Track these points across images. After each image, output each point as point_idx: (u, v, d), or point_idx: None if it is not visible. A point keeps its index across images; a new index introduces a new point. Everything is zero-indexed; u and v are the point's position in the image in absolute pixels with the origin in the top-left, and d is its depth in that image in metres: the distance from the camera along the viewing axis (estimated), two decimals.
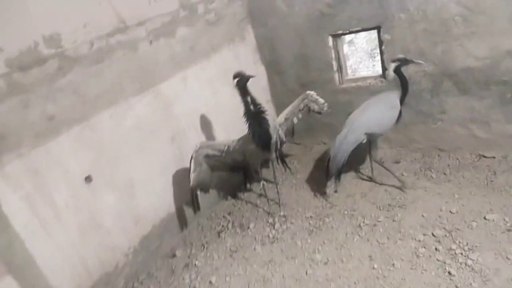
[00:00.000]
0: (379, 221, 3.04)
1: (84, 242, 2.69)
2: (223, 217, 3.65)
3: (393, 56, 3.44)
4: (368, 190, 3.44)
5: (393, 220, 3.01)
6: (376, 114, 3.14)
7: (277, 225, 3.32)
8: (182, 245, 3.39)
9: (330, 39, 3.80)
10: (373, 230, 2.98)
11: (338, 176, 3.29)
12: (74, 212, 2.63)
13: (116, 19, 2.90)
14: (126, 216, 3.00)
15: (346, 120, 3.27)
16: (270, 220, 3.42)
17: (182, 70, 3.48)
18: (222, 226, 3.52)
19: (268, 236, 3.23)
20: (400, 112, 3.12)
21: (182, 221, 3.53)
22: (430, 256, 2.60)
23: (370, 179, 3.54)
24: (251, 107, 3.04)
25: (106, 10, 2.84)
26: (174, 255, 3.27)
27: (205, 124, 3.74)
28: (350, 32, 3.72)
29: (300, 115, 3.53)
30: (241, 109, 3.08)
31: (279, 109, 4.48)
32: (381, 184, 3.44)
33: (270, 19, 4.06)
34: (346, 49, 4.19)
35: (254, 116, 3.07)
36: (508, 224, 2.65)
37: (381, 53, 3.56)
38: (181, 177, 3.43)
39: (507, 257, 2.42)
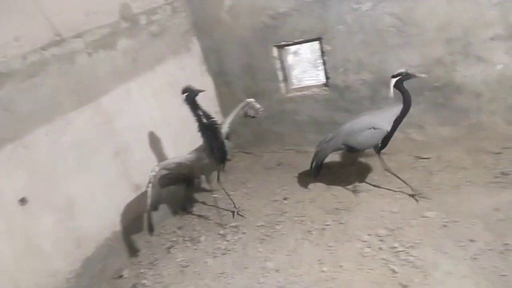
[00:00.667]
0: (327, 225, 3.12)
1: (20, 269, 2.50)
2: (173, 232, 3.57)
3: (334, 66, 3.63)
4: (316, 195, 3.52)
5: (340, 223, 3.10)
6: (354, 129, 3.13)
7: (228, 236, 3.30)
8: (129, 265, 3.27)
9: (275, 50, 3.89)
10: (322, 234, 3.05)
11: (316, 171, 3.42)
12: (7, 237, 2.44)
13: (52, 31, 2.79)
14: (67, 238, 2.84)
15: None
16: (222, 231, 3.39)
17: (125, 82, 3.39)
18: (172, 241, 3.43)
19: (220, 248, 3.20)
20: (392, 132, 3.08)
21: (129, 240, 3.40)
22: (374, 255, 2.71)
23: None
24: (204, 120, 3.04)
25: (40, 23, 2.72)
26: (121, 276, 3.13)
27: (152, 138, 3.66)
28: (294, 43, 3.83)
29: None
30: (189, 120, 3.07)
31: None
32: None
33: (215, 31, 4.09)
34: (291, 59, 4.30)
35: (209, 129, 3.07)
36: (445, 220, 2.83)
37: (324, 63, 3.70)
38: (126, 193, 3.32)
39: (444, 252, 2.57)
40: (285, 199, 3.59)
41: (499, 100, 3.09)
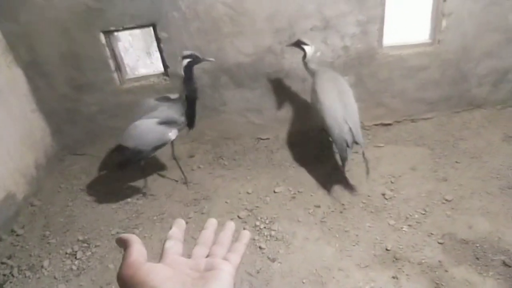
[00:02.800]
0: (189, 218, 3.08)
1: None
2: (2, 263, 2.87)
3: (172, 54, 3.51)
4: (172, 189, 3.42)
5: (202, 213, 3.12)
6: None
7: (79, 254, 2.87)
8: None
9: (102, 36, 3.48)
10: (186, 228, 2.98)
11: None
12: None
13: None
14: None
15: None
16: (68, 250, 2.92)
17: None
18: (4, 275, 2.77)
19: (71, 269, 2.76)
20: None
21: None
22: None
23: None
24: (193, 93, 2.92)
25: None
26: None
27: None
28: (124, 29, 3.50)
29: None
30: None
31: (49, 118, 3.84)
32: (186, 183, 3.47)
33: (22, 13, 3.34)
34: (122, 47, 3.93)
35: (193, 100, 2.96)
36: (292, 192, 3.19)
37: (161, 50, 3.53)
38: None
39: (298, 220, 2.91)
40: (138, 199, 3.35)
41: None
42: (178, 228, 0.66)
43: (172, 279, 0.54)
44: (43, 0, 3.29)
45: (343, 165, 3.04)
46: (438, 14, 3.38)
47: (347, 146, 2.83)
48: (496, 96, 3.78)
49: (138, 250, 0.57)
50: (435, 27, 3.46)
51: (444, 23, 3.39)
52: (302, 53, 3.18)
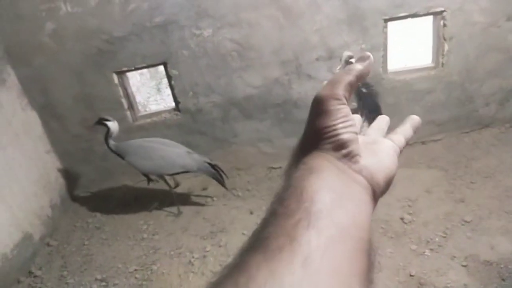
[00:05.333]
0: (207, 251, 3.06)
1: None
2: None
3: (183, 90, 3.62)
4: (187, 223, 3.41)
5: (219, 246, 3.09)
6: None
7: None
8: None
9: (115, 77, 3.59)
10: (205, 262, 2.97)
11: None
12: None
13: None
14: None
15: None
16: None
17: None
18: None
19: None
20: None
21: None
22: None
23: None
24: None
25: None
26: None
27: None
28: (136, 69, 3.62)
29: None
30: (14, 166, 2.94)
31: (63, 159, 3.91)
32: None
33: (36, 57, 3.47)
34: (134, 86, 4.04)
35: None
36: None
37: (172, 87, 3.63)
38: None
39: None
40: (154, 234, 3.34)
41: None
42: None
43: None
44: (56, 45, 3.43)
45: None
46: (439, 39, 3.47)
47: None
48: (504, 115, 3.82)
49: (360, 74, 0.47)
50: (438, 51, 3.55)
51: (446, 46, 3.48)
52: (308, 83, 3.26)
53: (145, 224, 3.46)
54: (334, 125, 0.44)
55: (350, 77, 0.47)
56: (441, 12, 3.34)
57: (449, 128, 3.83)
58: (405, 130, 0.55)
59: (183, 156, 3.24)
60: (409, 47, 3.79)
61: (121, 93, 3.65)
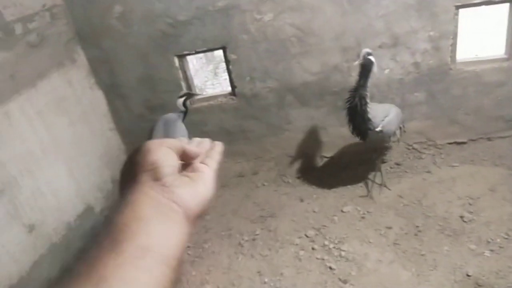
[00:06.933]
0: (257, 235, 3.11)
1: None
2: None
3: (240, 74, 3.64)
4: (237, 206, 3.48)
5: (269, 230, 3.13)
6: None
7: None
8: None
9: (176, 60, 3.70)
10: (254, 245, 3.03)
11: None
12: None
13: None
14: None
15: None
16: None
17: (2, 104, 2.77)
18: None
19: None
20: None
21: None
22: (310, 256, 2.82)
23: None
24: None
25: None
26: None
27: (42, 166, 3.08)
28: (196, 52, 3.71)
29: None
30: (83, 142, 3.13)
31: (125, 137, 4.11)
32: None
33: (104, 39, 3.66)
34: (192, 68, 4.15)
35: None
36: (361, 212, 3.12)
37: (229, 72, 3.67)
38: (19, 236, 2.72)
39: (369, 241, 2.83)
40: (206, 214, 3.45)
41: (388, 100, 3.54)
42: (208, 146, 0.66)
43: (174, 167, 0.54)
44: (124, 28, 3.59)
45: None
46: None
47: None
48: None
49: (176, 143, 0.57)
50: None
51: None
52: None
53: None
54: (154, 159, 0.52)
55: (182, 145, 0.58)
56: None
57: None
58: (215, 155, 0.64)
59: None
60: (481, 37, 3.53)
61: (181, 75, 3.76)
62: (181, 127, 3.37)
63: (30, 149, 2.99)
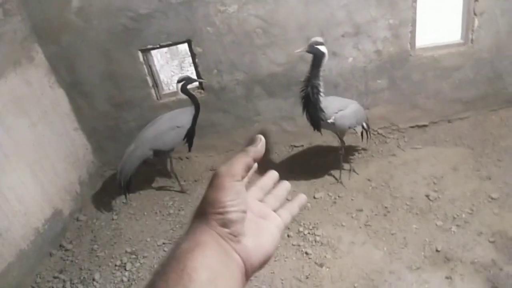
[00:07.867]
0: None
1: None
2: (55, 278, 2.98)
3: (207, 68, 3.62)
4: None
5: None
6: (159, 131, 3.27)
7: (128, 265, 2.95)
8: None
9: (140, 55, 3.61)
10: None
11: (126, 189, 3.34)
12: None
13: None
14: None
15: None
16: (117, 262, 3.01)
17: None
18: None
19: (122, 281, 2.84)
20: (193, 130, 3.38)
21: None
22: (286, 244, 2.87)
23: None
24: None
25: None
26: None
27: (4, 171, 2.94)
28: (161, 46, 3.64)
29: None
30: (46, 143, 3.08)
31: (90, 136, 3.99)
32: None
33: (62, 36, 3.52)
34: (157, 64, 4.07)
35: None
36: (332, 197, 3.20)
37: (195, 65, 3.64)
38: None
39: (342, 225, 2.92)
40: (180, 210, 3.42)
41: (352, 88, 3.64)
42: (268, 178, 0.67)
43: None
44: (84, 23, 3.47)
45: None
46: (470, 14, 3.37)
47: None
48: None
49: (245, 163, 0.57)
50: (467, 27, 3.45)
51: (476, 22, 3.38)
52: (333, 60, 3.20)
53: (171, 200, 3.54)
54: (224, 201, 0.51)
55: (247, 158, 0.57)
56: None
57: (476, 106, 3.75)
58: (293, 207, 0.64)
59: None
60: (438, 23, 3.69)
61: (146, 71, 3.68)
62: (170, 134, 3.26)
63: None
